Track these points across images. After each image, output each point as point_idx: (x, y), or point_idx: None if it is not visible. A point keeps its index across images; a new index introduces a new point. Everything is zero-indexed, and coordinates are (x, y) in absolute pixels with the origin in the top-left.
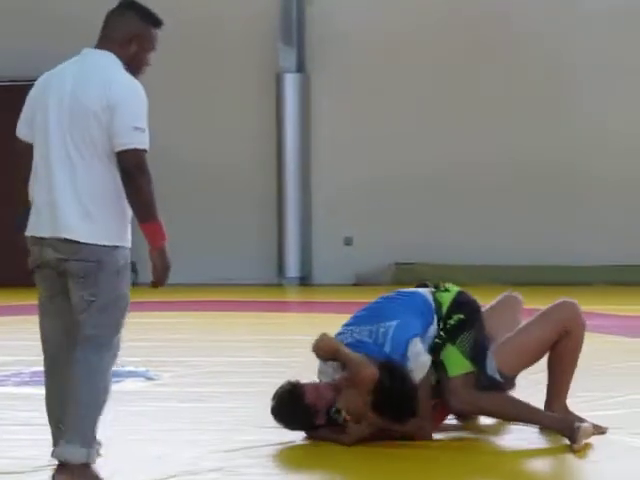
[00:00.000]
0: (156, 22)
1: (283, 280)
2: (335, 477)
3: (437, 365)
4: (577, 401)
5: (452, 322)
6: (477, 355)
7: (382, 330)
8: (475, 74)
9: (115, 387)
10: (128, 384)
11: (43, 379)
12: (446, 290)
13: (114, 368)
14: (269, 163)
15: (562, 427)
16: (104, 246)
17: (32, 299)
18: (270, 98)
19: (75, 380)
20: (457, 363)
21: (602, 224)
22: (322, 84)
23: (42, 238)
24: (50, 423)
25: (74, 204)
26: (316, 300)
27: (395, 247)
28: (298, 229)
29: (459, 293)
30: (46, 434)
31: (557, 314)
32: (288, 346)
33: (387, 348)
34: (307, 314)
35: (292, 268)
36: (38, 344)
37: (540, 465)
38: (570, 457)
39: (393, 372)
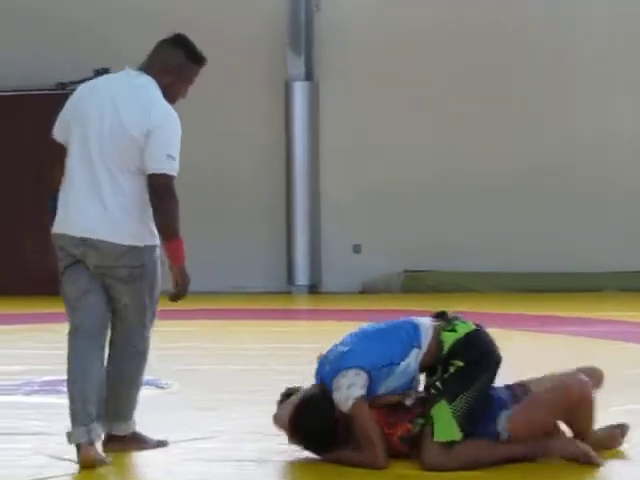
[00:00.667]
0: (197, 59)
1: (292, 288)
2: None
3: (426, 416)
4: None
5: (451, 370)
6: (469, 424)
7: (338, 350)
8: (480, 80)
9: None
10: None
11: (77, 367)
12: (453, 330)
13: None
14: (278, 171)
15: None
16: (145, 246)
17: (39, 308)
18: (279, 106)
19: (133, 368)
20: (446, 429)
21: (615, 229)
22: (331, 91)
23: (84, 239)
24: (81, 402)
25: (120, 212)
26: (325, 308)
27: (403, 255)
28: (307, 237)
29: (468, 334)
30: (55, 443)
31: (570, 392)
32: (297, 354)
33: (327, 369)
34: (316, 322)
35: (301, 276)
36: (48, 352)
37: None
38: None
39: (308, 404)
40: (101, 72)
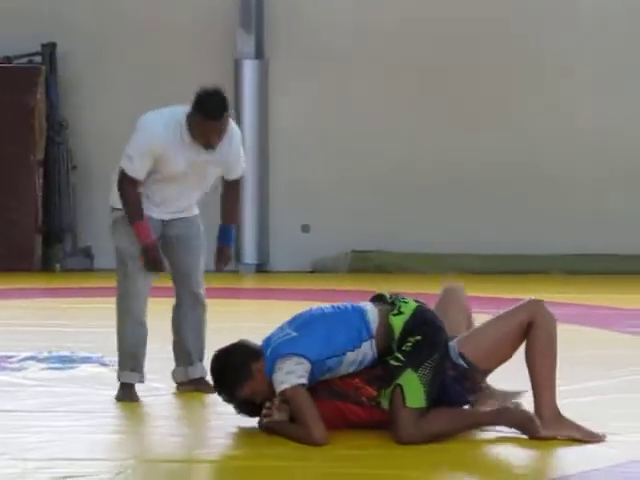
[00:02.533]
0: (206, 114)
1: (240, 267)
2: None
3: (393, 386)
4: None
5: (409, 345)
6: (435, 388)
7: (285, 334)
8: (443, 70)
9: (72, 372)
10: (84, 369)
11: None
12: (399, 312)
13: (69, 354)
14: None
15: (516, 421)
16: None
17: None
18: (228, 84)
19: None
20: (416, 395)
21: (562, 213)
22: (281, 70)
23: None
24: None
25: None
26: (272, 287)
27: (352, 235)
28: (255, 216)
29: (414, 314)
30: (4, 419)
31: (521, 309)
32: (243, 333)
33: (270, 350)
34: (263, 301)
35: (249, 255)
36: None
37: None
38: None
39: (225, 352)
40: (48, 46)
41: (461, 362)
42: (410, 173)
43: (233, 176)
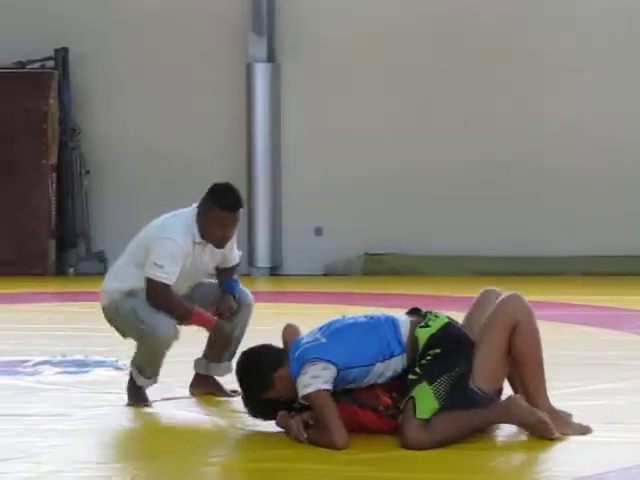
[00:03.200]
0: (226, 206)
1: (253, 270)
2: None
3: (407, 398)
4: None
5: (428, 358)
6: (452, 402)
7: (315, 339)
8: (446, 73)
9: (86, 376)
10: (98, 373)
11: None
12: (427, 325)
13: (83, 359)
14: (239, 154)
15: (526, 420)
16: None
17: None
18: (240, 88)
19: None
20: (427, 407)
21: (579, 214)
22: (293, 74)
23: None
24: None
25: None
26: (286, 290)
27: (365, 238)
28: (268, 219)
29: (441, 328)
30: (13, 424)
31: (500, 313)
32: (257, 336)
33: (297, 354)
34: (276, 304)
35: (262, 258)
36: (3, 333)
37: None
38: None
39: (250, 355)
40: (60, 51)
41: (478, 393)
42: (424, 176)
43: (230, 263)
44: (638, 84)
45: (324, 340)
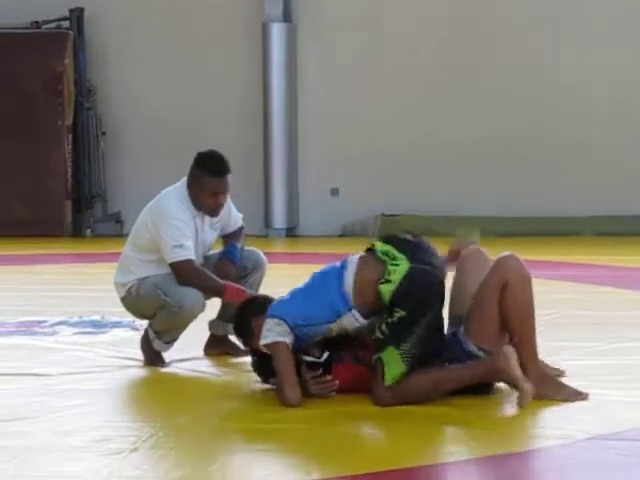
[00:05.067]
0: (213, 172)
1: (270, 231)
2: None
3: (375, 358)
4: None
5: (395, 316)
6: (424, 357)
7: (286, 294)
8: (464, 41)
9: (103, 337)
10: (115, 334)
11: None
12: (387, 281)
13: (100, 319)
14: (255, 114)
15: (500, 374)
16: None
17: (12, 249)
18: (256, 48)
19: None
20: (396, 372)
21: (592, 174)
22: (309, 34)
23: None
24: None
25: None
26: (302, 251)
27: (381, 198)
28: (285, 180)
29: (402, 280)
30: (31, 383)
31: (493, 272)
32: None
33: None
34: (293, 265)
35: (279, 219)
36: (21, 294)
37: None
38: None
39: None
40: (75, 11)
41: (479, 353)
42: (440, 136)
43: (232, 228)
44: None
45: (287, 297)
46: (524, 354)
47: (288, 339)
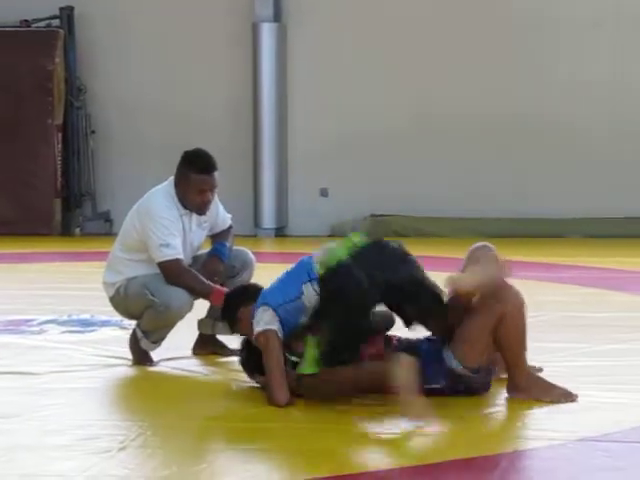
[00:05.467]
0: (200, 169)
1: (259, 231)
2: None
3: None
4: (550, 354)
5: (316, 306)
6: (335, 357)
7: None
8: (453, 27)
9: (91, 335)
10: (104, 333)
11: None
12: (321, 263)
13: (89, 318)
14: (245, 114)
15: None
16: None
17: (1, 248)
18: (247, 48)
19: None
20: (309, 363)
21: (581, 176)
22: (299, 34)
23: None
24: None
25: None
26: (291, 251)
27: (371, 199)
28: (274, 180)
29: (324, 273)
30: (18, 382)
31: (492, 304)
32: None
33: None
34: (282, 265)
35: (268, 219)
36: (9, 293)
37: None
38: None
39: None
40: (66, 9)
41: (464, 371)
42: (428, 138)
43: (220, 228)
44: None
45: (266, 289)
46: (511, 363)
47: (276, 325)
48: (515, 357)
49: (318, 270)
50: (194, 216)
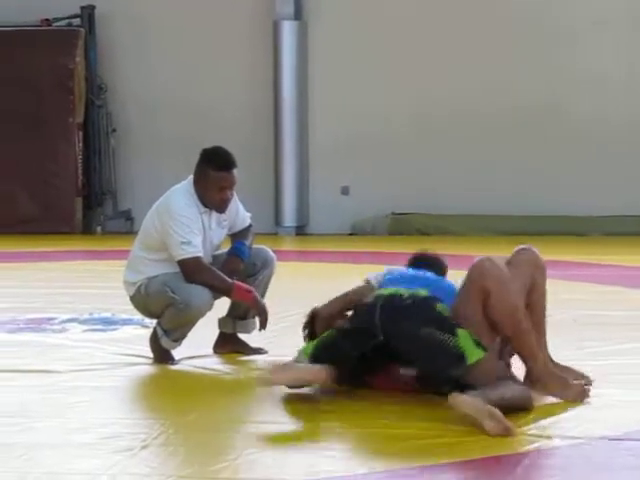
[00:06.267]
0: (220, 166)
1: (280, 229)
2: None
3: None
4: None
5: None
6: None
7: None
8: (472, 21)
9: (113, 334)
10: (125, 331)
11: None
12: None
13: (110, 316)
14: (266, 112)
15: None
16: None
17: (22, 246)
18: (267, 46)
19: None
20: (470, 351)
21: (601, 174)
22: (320, 32)
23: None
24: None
25: None
26: (312, 249)
27: (392, 197)
28: (295, 178)
29: (360, 306)
30: (41, 380)
31: (471, 285)
32: (283, 295)
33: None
34: (303, 263)
35: (289, 217)
36: (30, 291)
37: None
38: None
39: None
40: (87, 8)
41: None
42: (450, 136)
43: (239, 227)
44: None
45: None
46: (521, 354)
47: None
48: (521, 346)
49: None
50: (214, 214)
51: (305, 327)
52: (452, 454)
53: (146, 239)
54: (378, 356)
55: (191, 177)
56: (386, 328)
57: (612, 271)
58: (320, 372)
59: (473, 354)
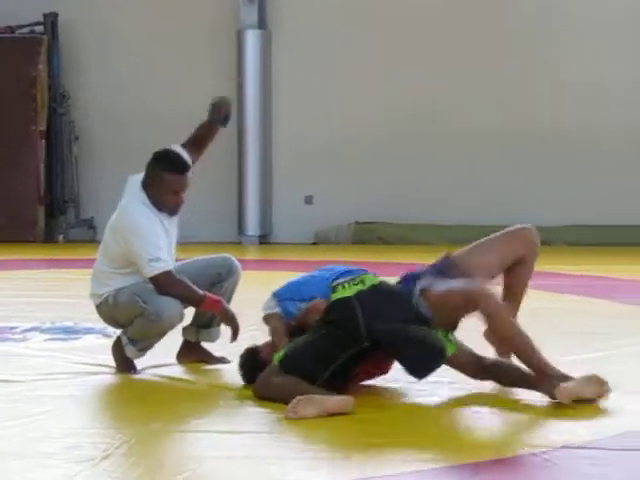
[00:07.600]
0: (172, 170)
1: (243, 238)
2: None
3: None
4: None
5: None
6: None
7: None
8: (447, 31)
9: (75, 343)
10: (87, 340)
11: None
12: (343, 288)
13: (72, 325)
14: (230, 121)
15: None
16: None
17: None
18: (231, 55)
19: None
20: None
21: (564, 184)
22: (284, 41)
23: None
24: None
25: None
26: (275, 258)
27: (355, 206)
28: (258, 187)
29: (335, 301)
30: (1, 389)
31: (514, 242)
32: (246, 304)
33: None
34: (266, 272)
35: (252, 226)
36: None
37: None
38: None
39: None
40: (50, 16)
41: (428, 314)
42: (412, 145)
43: None
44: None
45: None
46: (524, 363)
47: (277, 310)
48: (521, 354)
49: (332, 296)
50: (166, 216)
51: (242, 366)
52: (456, 457)
53: (109, 254)
54: (354, 360)
55: (135, 188)
56: (372, 332)
57: (577, 281)
58: (347, 403)
59: (450, 348)
